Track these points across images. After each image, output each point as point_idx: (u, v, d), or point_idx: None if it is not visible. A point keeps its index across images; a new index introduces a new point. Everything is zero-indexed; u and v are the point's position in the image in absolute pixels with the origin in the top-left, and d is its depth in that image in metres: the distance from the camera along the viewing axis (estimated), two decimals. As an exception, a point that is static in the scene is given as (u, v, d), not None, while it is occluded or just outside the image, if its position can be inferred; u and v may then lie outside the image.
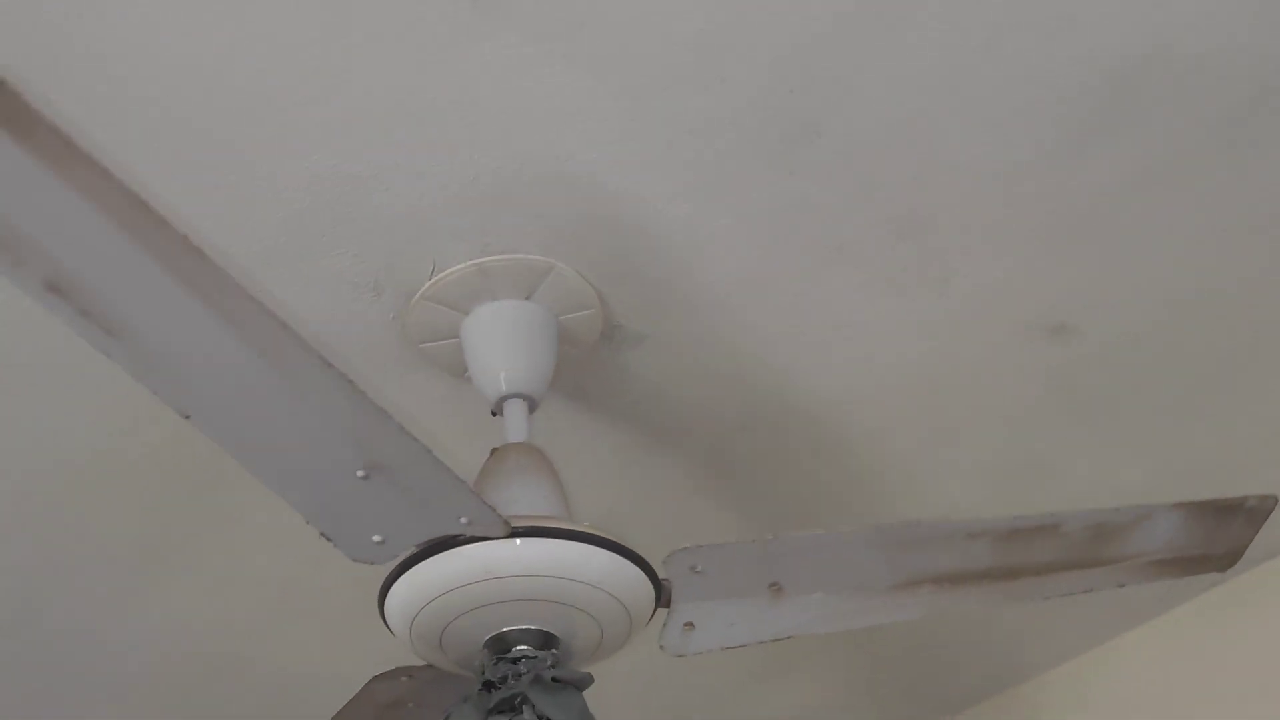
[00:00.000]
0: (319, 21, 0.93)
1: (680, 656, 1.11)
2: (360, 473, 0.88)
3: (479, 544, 0.96)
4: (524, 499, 1.05)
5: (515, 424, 1.15)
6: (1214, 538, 1.16)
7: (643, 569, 1.02)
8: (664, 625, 1.09)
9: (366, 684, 1.16)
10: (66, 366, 1.19)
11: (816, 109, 1.03)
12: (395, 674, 1.13)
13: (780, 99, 1.02)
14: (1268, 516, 1.16)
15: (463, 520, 0.92)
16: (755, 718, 1.93)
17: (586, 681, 1.00)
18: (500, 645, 1.00)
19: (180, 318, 0.76)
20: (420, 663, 1.11)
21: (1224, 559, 1.20)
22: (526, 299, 1.21)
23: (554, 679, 0.98)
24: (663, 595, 1.05)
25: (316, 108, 0.99)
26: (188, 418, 0.83)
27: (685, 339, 1.27)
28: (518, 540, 0.96)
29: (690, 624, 1.09)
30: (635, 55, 0.97)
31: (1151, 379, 1.37)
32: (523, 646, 1.00)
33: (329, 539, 0.94)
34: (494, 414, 1.18)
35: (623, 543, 1.01)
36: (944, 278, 1.22)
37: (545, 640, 1.01)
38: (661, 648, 1.10)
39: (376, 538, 0.95)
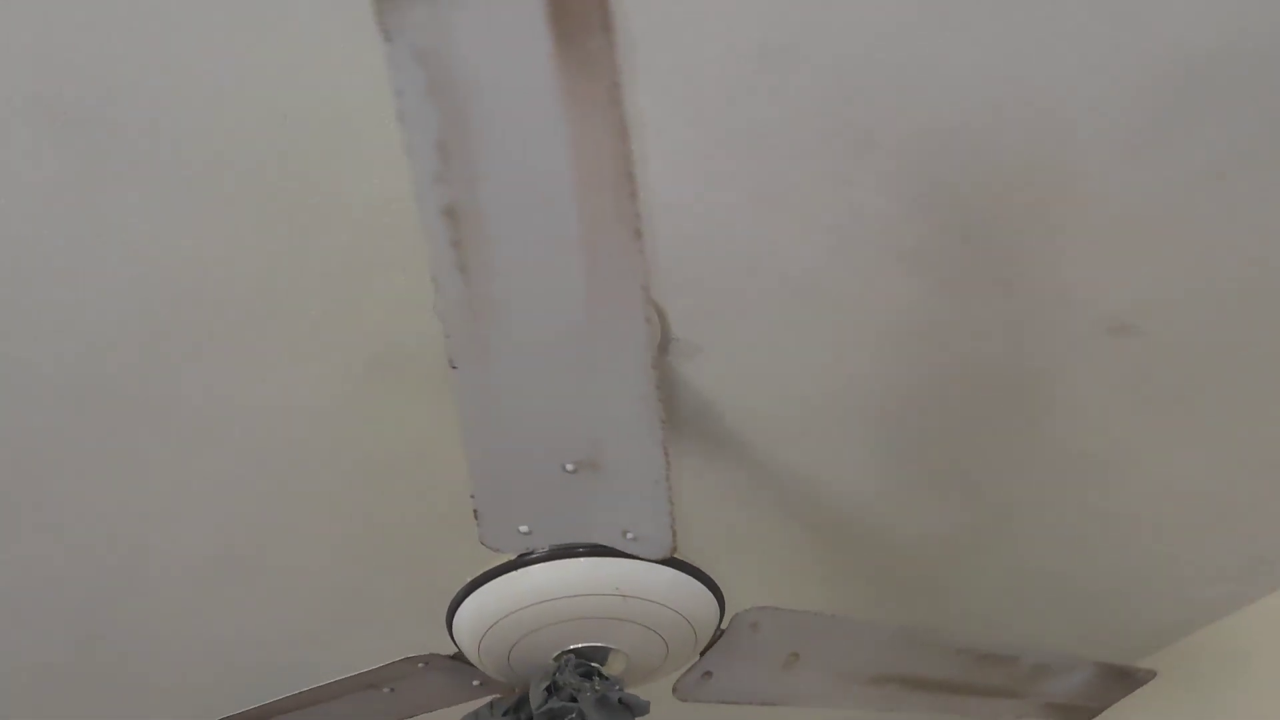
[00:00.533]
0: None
1: (684, 702, 1.14)
2: (570, 466, 0.85)
3: (610, 559, 0.94)
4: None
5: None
6: (1097, 694, 1.38)
7: (718, 603, 1.04)
8: (686, 670, 1.11)
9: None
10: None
11: (876, 117, 1.02)
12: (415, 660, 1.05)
13: (839, 107, 1.01)
14: (1137, 687, 1.39)
15: (629, 535, 0.91)
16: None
17: (644, 709, 1.00)
18: (573, 659, 0.98)
19: (549, 277, 0.71)
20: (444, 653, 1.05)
21: (1089, 713, 1.42)
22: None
23: (619, 700, 0.97)
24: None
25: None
26: (455, 369, 0.77)
27: (742, 348, 1.26)
28: (647, 562, 0.95)
29: (709, 673, 1.12)
30: (696, 67, 0.97)
31: (1219, 374, 1.32)
32: (595, 664, 0.99)
33: (476, 516, 0.89)
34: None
35: (710, 576, 1.03)
36: (1007, 280, 1.21)
37: (615, 659, 1.00)
38: (674, 690, 1.13)
39: (524, 529, 0.91)
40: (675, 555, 0.95)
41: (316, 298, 1.14)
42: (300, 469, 1.35)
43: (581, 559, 0.94)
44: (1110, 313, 1.23)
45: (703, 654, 1.09)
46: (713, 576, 1.02)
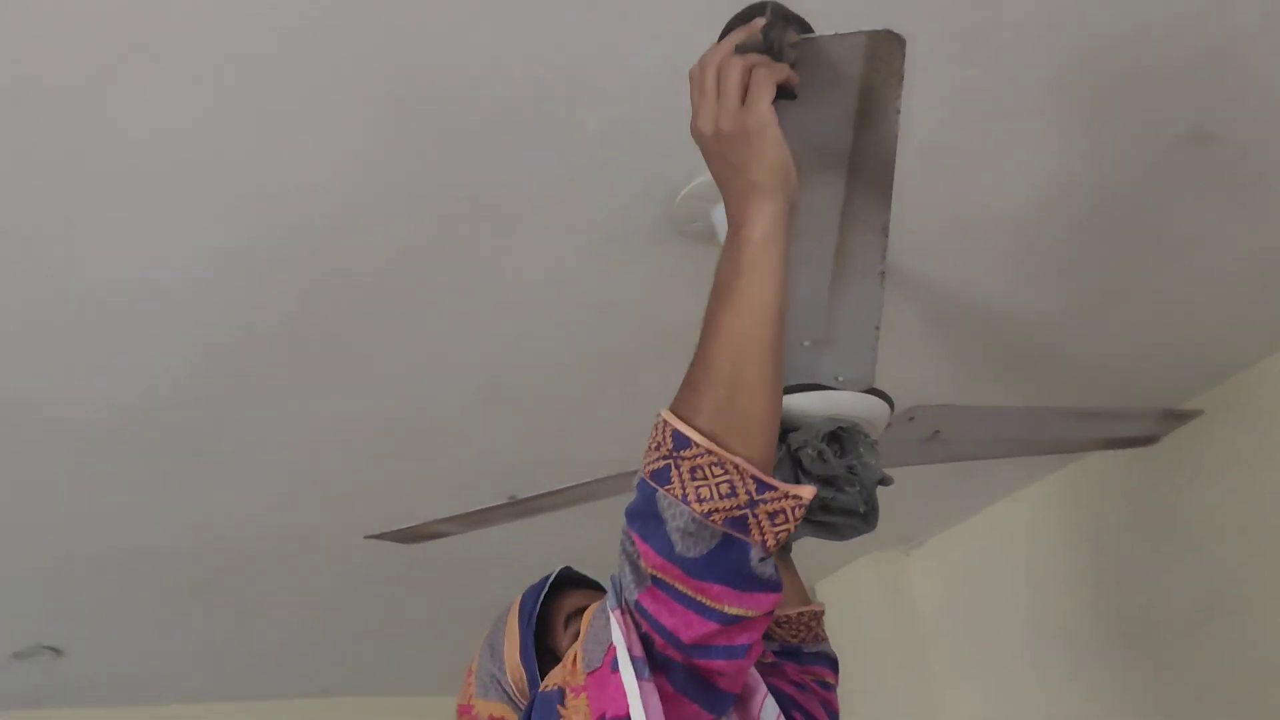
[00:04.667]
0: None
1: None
2: (807, 343, 1.25)
3: (827, 392, 1.36)
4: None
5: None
6: (1160, 429, 1.83)
7: (890, 407, 1.44)
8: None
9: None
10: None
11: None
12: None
13: None
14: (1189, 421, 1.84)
15: (839, 379, 1.32)
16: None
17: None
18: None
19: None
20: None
21: (1152, 440, 1.88)
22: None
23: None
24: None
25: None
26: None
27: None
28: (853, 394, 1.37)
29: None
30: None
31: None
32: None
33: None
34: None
35: (886, 393, 1.44)
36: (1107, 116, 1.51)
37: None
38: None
39: None
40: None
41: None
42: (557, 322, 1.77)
43: (808, 392, 1.36)
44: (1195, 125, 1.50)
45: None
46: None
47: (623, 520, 0.95)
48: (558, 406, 2.07)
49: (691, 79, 0.95)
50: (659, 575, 0.91)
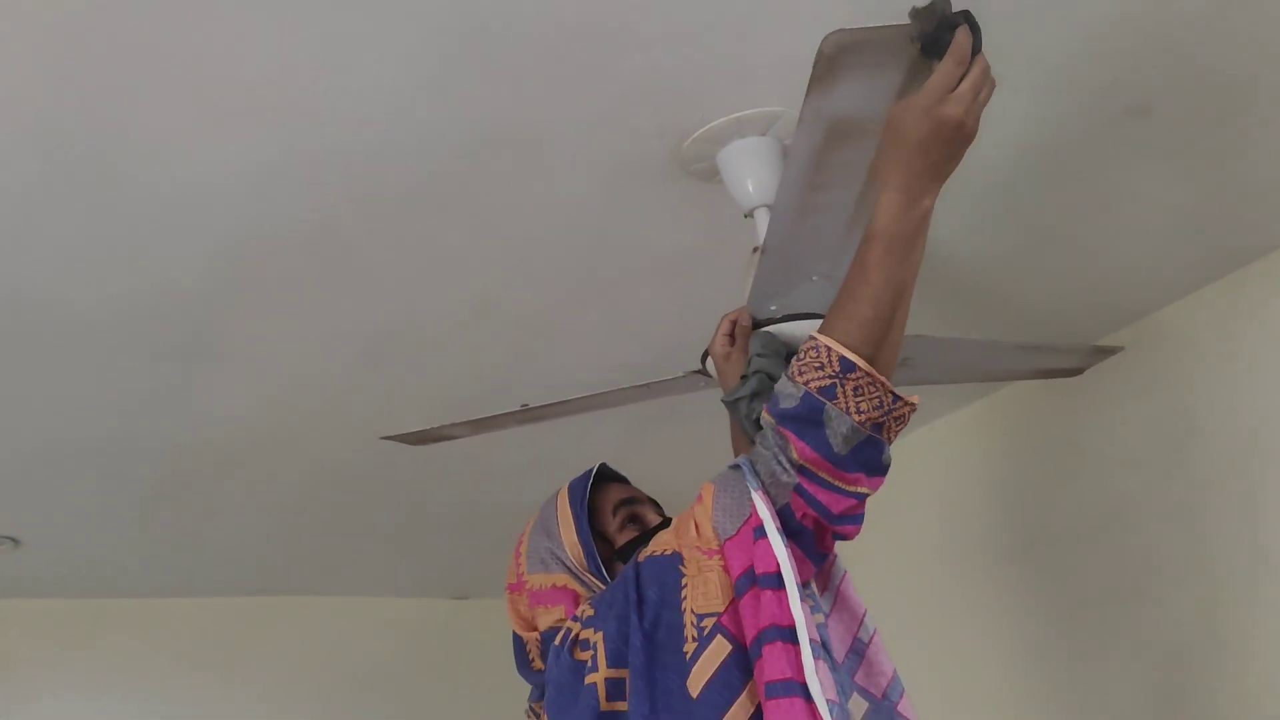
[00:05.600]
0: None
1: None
2: (816, 278, 1.45)
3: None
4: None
5: (763, 224, 1.71)
6: (1085, 362, 2.09)
7: None
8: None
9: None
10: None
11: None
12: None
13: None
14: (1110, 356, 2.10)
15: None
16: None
17: None
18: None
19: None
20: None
21: (1077, 372, 2.14)
22: (763, 135, 1.73)
23: None
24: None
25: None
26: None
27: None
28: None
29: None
30: None
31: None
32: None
33: (748, 299, 1.52)
34: (746, 216, 1.72)
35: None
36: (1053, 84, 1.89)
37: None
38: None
39: (774, 307, 1.53)
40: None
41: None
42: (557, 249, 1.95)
43: (808, 320, 1.57)
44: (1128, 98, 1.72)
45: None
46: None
47: (770, 419, 1.23)
48: (545, 328, 2.23)
49: (979, 77, 1.18)
50: (809, 467, 1.19)
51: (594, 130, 1.65)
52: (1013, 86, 1.65)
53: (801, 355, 1.23)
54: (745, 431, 1.58)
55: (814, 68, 1.22)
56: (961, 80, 1.16)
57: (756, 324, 1.64)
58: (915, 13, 1.16)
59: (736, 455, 1.64)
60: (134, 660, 3.57)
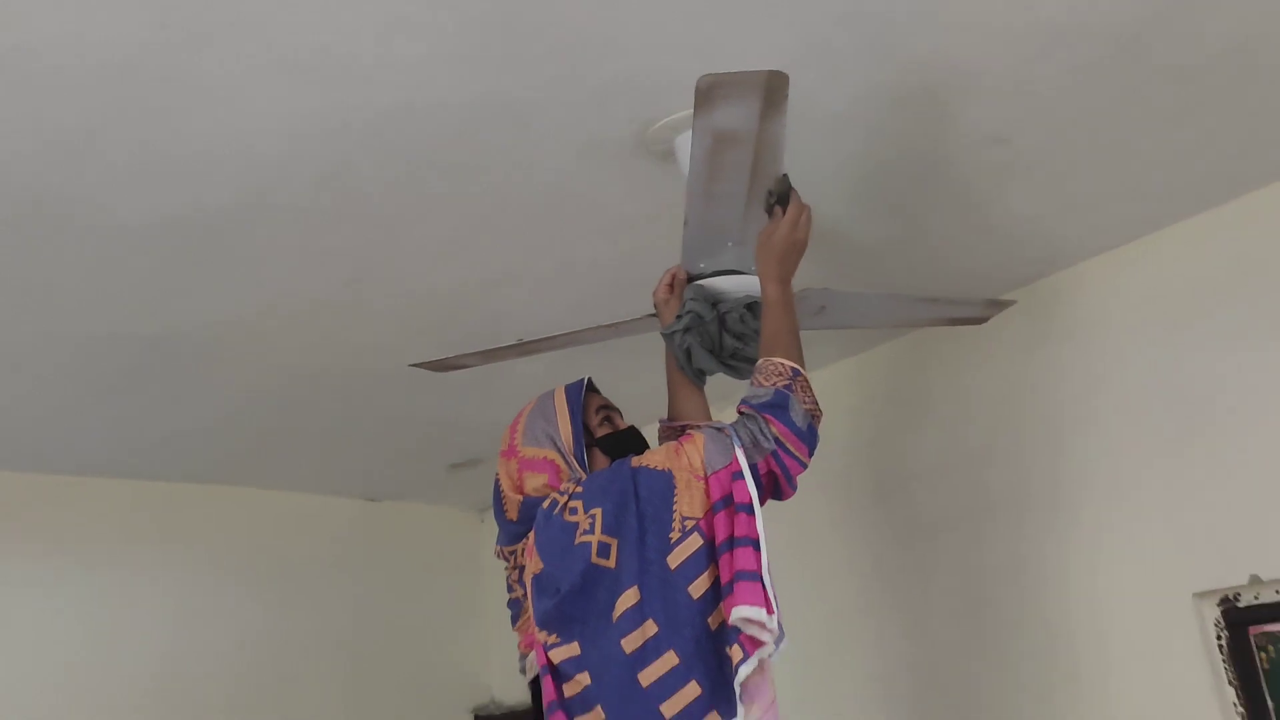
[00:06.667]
0: None
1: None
2: (730, 244, 1.95)
3: (739, 276, 2.04)
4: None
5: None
6: (982, 313, 2.62)
7: None
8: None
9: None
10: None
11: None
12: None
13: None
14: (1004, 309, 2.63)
15: (752, 269, 2.01)
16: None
17: None
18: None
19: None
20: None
21: (977, 321, 2.67)
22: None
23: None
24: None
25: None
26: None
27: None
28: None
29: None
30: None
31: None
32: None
33: (683, 252, 2.01)
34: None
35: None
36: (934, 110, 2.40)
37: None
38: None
39: (702, 265, 2.01)
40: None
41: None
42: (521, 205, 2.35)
43: (730, 276, 2.04)
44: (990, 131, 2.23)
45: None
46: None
47: (750, 410, 1.82)
48: (508, 269, 2.63)
49: (802, 214, 1.95)
50: (782, 439, 1.76)
51: (577, 113, 2.04)
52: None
53: (762, 368, 1.83)
54: (677, 359, 2.06)
55: (695, 98, 1.73)
56: (799, 216, 1.92)
57: (690, 278, 2.11)
58: (774, 183, 1.93)
59: (670, 380, 2.12)
60: (72, 535, 3.82)
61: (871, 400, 3.37)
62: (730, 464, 1.72)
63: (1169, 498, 2.67)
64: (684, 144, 2.10)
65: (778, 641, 1.63)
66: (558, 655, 1.70)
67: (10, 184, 2.08)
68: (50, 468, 3.77)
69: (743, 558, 1.63)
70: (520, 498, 1.88)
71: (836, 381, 3.39)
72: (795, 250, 1.91)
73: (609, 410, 2.01)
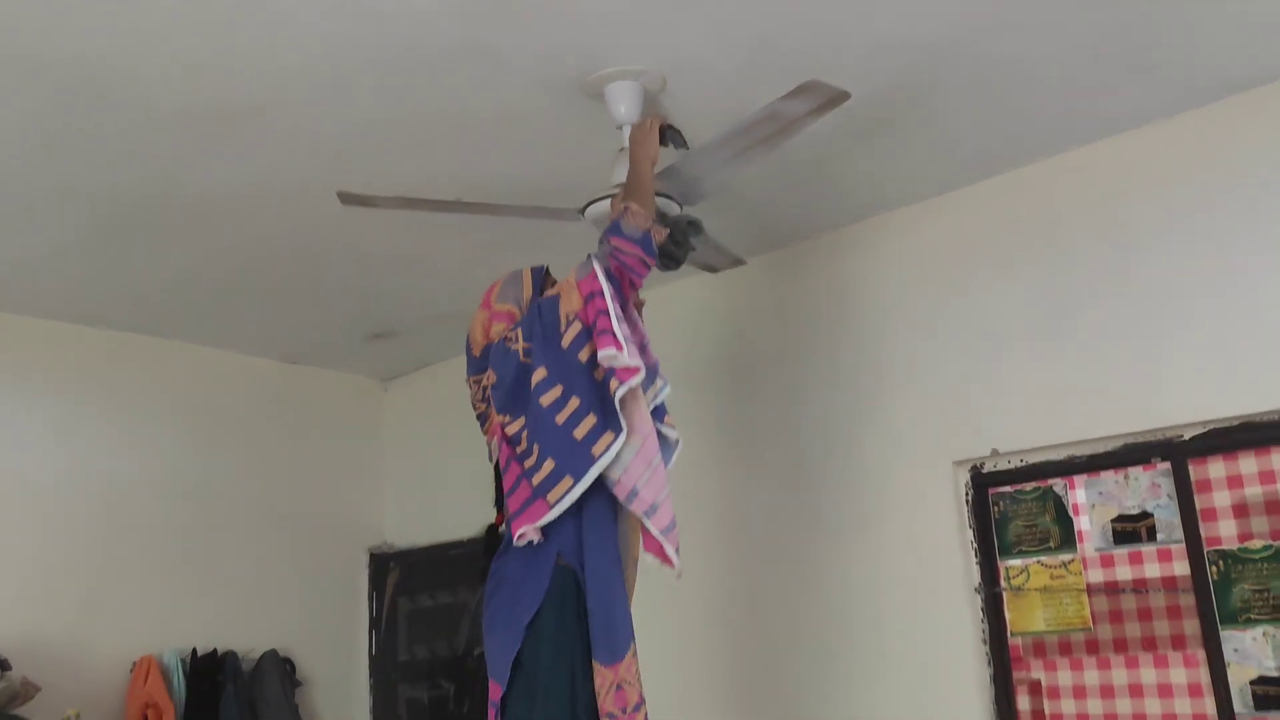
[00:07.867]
0: None
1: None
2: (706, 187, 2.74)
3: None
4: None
5: (626, 133, 2.88)
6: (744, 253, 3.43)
7: None
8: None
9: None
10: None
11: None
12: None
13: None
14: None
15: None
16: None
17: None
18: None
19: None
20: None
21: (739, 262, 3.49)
22: (634, 81, 2.89)
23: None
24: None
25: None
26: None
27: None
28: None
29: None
30: None
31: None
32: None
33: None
34: (617, 128, 2.88)
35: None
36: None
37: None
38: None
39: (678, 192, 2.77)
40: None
41: None
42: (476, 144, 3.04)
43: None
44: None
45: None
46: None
47: (604, 234, 2.57)
48: (459, 166, 3.31)
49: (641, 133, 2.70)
50: (617, 246, 2.55)
51: (542, 59, 2.75)
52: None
53: (615, 208, 2.61)
54: (673, 233, 2.78)
55: (793, 89, 2.53)
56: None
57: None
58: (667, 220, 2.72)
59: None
60: (39, 374, 4.32)
61: (736, 313, 4.21)
62: (591, 271, 2.56)
63: (941, 391, 3.61)
64: (612, 91, 2.83)
65: (650, 377, 2.52)
66: (511, 429, 2.53)
67: (77, 60, 2.64)
68: (21, 309, 4.26)
69: (600, 322, 2.47)
70: (485, 342, 2.68)
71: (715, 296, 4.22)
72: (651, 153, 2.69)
73: (556, 286, 2.75)
